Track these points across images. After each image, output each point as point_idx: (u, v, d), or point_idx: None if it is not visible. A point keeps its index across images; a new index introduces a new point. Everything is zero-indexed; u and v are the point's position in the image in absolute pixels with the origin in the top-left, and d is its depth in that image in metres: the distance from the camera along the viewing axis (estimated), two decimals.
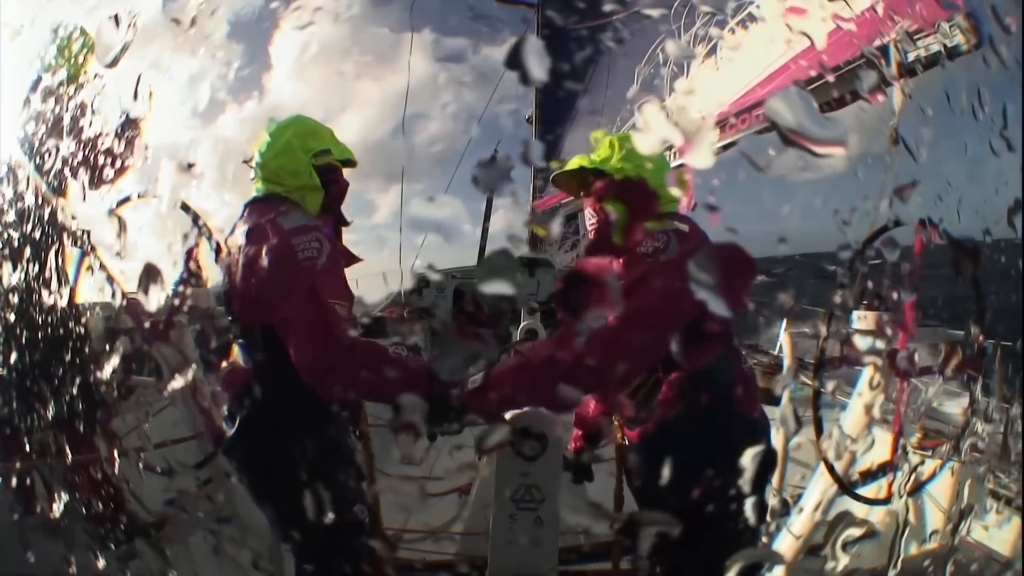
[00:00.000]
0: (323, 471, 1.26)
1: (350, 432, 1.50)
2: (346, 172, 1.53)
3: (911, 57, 2.69)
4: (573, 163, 1.42)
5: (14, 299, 1.71)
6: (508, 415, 1.32)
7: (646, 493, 1.39)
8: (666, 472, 1.16)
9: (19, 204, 1.74)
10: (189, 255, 1.64)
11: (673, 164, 1.46)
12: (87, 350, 1.72)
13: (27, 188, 1.71)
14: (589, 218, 1.42)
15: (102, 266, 1.60)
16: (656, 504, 1.25)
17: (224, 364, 1.47)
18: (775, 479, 2.10)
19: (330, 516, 1.23)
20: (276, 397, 1.28)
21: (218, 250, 1.62)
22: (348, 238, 1.54)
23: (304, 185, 1.39)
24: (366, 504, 1.41)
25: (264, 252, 1.25)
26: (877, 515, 2.11)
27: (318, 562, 1.35)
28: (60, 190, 1.67)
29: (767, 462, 1.26)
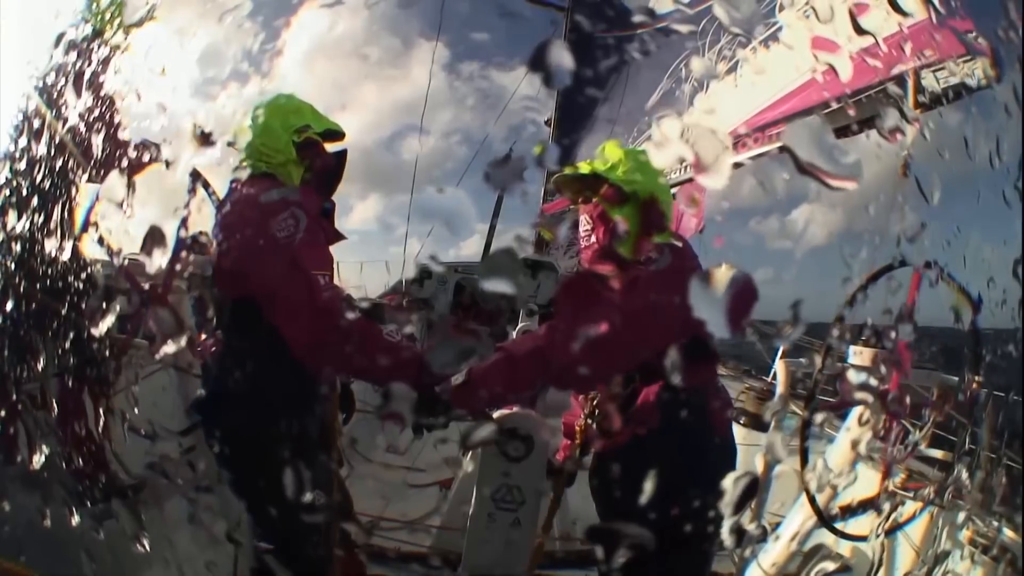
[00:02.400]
0: (285, 447, 1.27)
1: (320, 414, 1.50)
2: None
3: (930, 90, 2.69)
4: (580, 168, 1.42)
5: (16, 248, 1.71)
6: (496, 414, 1.32)
7: (611, 503, 1.38)
8: (637, 485, 1.16)
9: (31, 153, 1.74)
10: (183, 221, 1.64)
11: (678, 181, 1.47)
12: (84, 306, 1.72)
13: (41, 138, 1.71)
14: (584, 224, 1.42)
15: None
16: (620, 516, 1.25)
17: (203, 334, 1.49)
18: (753, 505, 2.10)
19: (284, 494, 1.23)
20: (248, 370, 1.30)
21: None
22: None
23: (285, 161, 1.42)
24: (328, 490, 1.41)
25: (243, 231, 1.28)
26: (850, 550, 2.11)
27: (272, 539, 1.35)
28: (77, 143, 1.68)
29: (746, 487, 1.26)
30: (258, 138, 1.41)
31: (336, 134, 1.53)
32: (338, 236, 1.47)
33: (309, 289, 1.22)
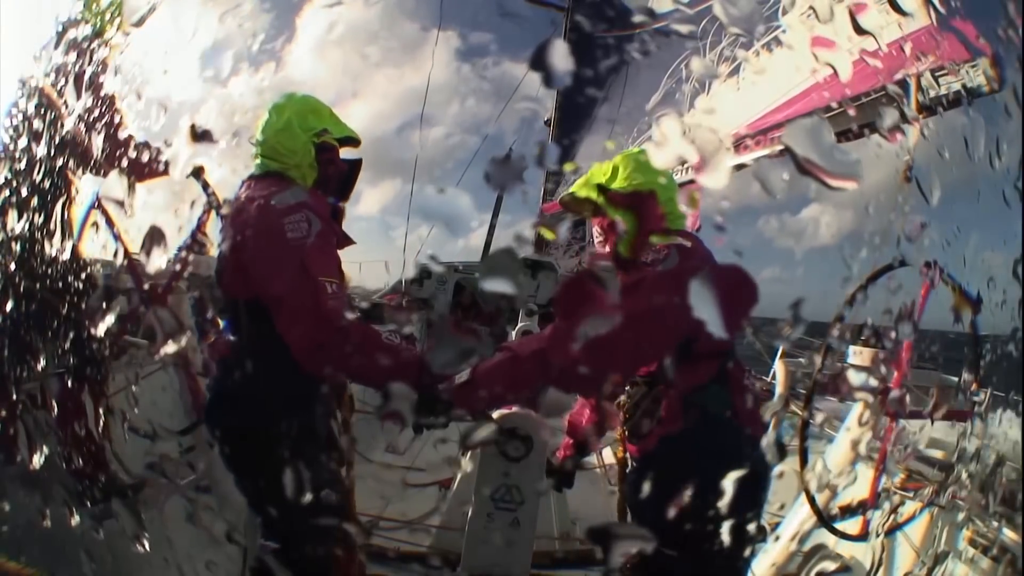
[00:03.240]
0: (292, 448, 1.26)
1: (328, 415, 1.50)
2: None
3: (931, 94, 2.69)
4: (578, 186, 1.42)
5: (16, 247, 1.71)
6: (496, 414, 1.32)
7: (643, 508, 1.38)
8: (665, 489, 1.16)
9: (30, 153, 1.74)
10: (200, 224, 1.65)
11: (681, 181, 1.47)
12: (84, 306, 1.72)
13: (41, 138, 1.71)
14: (597, 236, 1.43)
15: (109, 222, 1.60)
16: (652, 520, 1.24)
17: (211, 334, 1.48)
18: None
19: (294, 494, 1.22)
20: (254, 370, 1.29)
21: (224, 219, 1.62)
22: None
23: (300, 163, 1.41)
24: (338, 489, 1.41)
25: (254, 230, 1.27)
26: (850, 551, 2.10)
27: (280, 539, 1.34)
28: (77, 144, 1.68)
29: (762, 484, 1.26)
30: (275, 137, 1.40)
31: (352, 141, 1.52)
32: (347, 240, 1.46)
33: (315, 294, 1.20)
